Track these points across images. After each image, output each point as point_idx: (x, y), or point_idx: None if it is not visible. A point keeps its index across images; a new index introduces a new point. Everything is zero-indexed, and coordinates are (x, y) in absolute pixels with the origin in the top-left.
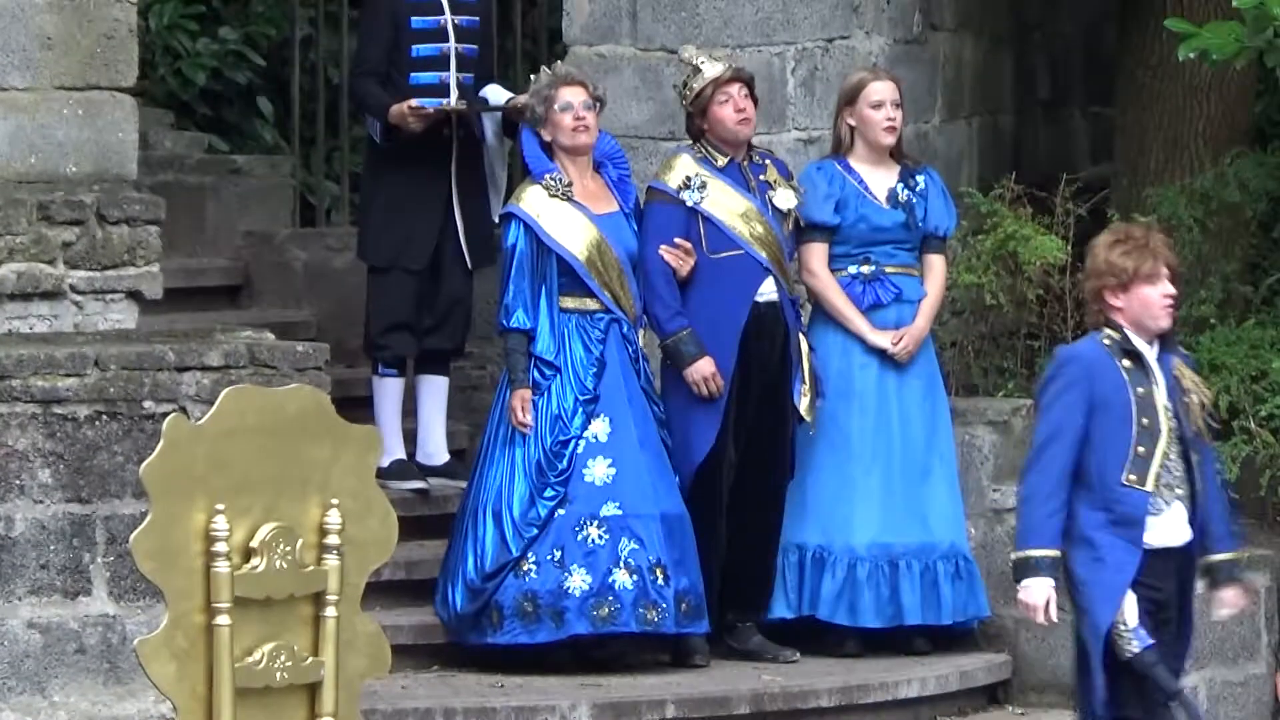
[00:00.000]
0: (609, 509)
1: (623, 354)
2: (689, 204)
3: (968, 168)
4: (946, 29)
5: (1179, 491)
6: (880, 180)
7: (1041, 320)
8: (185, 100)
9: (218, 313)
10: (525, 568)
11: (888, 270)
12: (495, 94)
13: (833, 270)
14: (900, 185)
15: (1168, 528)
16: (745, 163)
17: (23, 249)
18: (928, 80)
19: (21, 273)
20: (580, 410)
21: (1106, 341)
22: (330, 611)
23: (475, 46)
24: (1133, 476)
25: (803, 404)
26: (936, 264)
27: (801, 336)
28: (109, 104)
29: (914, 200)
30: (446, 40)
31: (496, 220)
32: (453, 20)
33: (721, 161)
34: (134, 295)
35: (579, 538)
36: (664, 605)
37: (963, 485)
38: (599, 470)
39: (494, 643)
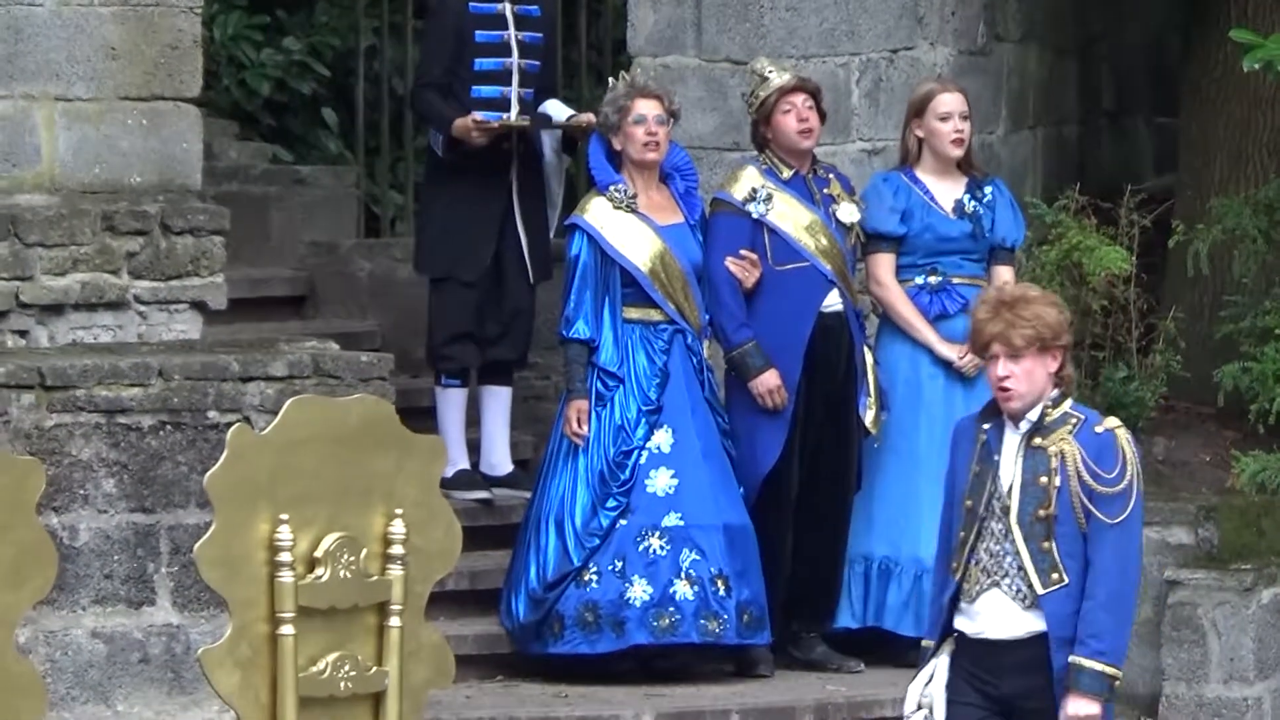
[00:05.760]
0: (671, 519)
1: (686, 365)
2: (754, 216)
3: (1032, 179)
4: (1011, 40)
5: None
6: (947, 191)
7: (1106, 331)
8: (250, 111)
9: (282, 323)
10: (586, 577)
11: (955, 281)
12: (556, 109)
13: (900, 281)
14: (967, 196)
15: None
16: (810, 175)
17: (87, 259)
18: (992, 91)
19: (86, 283)
20: (643, 421)
21: None
22: (394, 621)
23: (538, 61)
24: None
25: (868, 417)
26: (1005, 276)
27: (866, 349)
28: (173, 114)
29: (981, 211)
30: (509, 55)
31: (553, 235)
32: (516, 35)
33: (786, 174)
34: (198, 305)
35: (640, 548)
36: (725, 616)
37: None
38: (661, 481)
39: (555, 652)
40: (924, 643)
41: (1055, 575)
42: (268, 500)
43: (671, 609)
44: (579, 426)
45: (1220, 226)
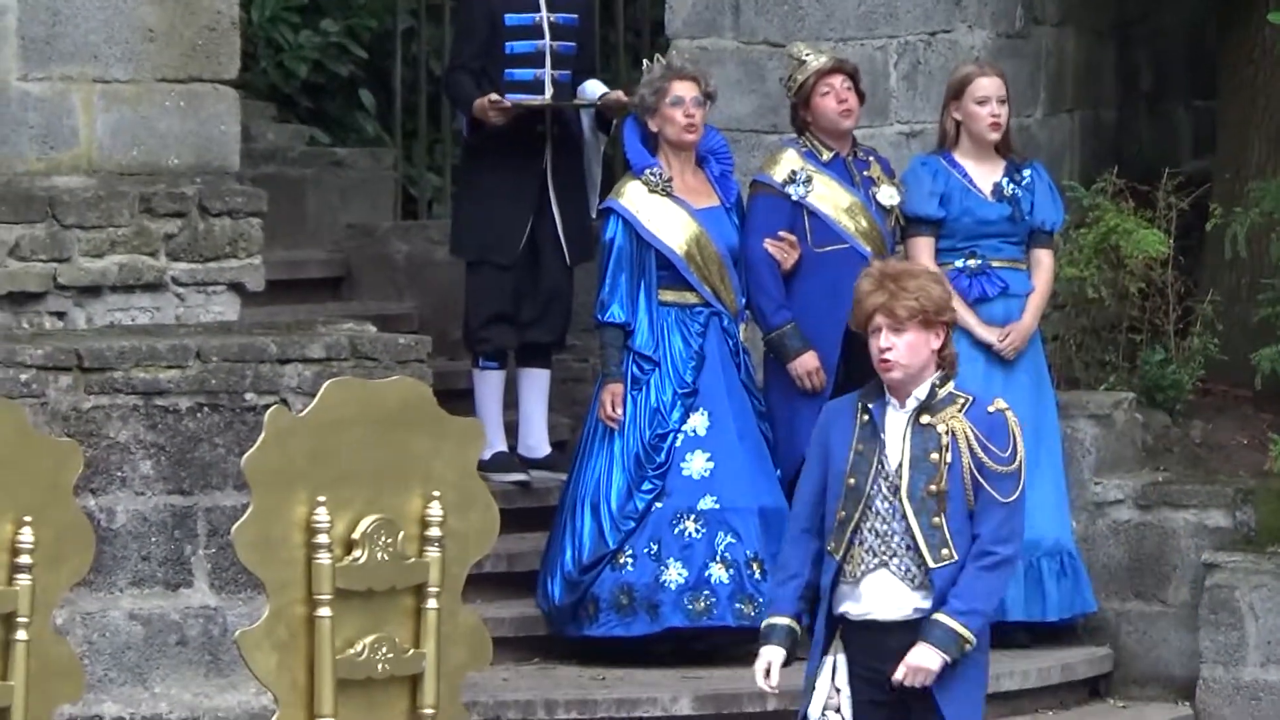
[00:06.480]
0: (706, 503)
1: (722, 348)
2: (794, 198)
3: (1070, 161)
4: (1049, 23)
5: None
6: (986, 174)
7: (1143, 314)
8: (287, 93)
9: (319, 305)
10: (622, 560)
11: (994, 264)
12: (591, 89)
13: (939, 264)
14: (1006, 180)
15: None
16: (850, 158)
17: (125, 241)
18: (1030, 74)
19: (124, 264)
20: (679, 404)
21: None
22: (431, 603)
23: (572, 44)
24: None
25: None
26: (1044, 259)
27: None
28: (211, 96)
29: (1020, 194)
30: (542, 37)
31: (594, 216)
32: (549, 18)
33: (826, 156)
34: (236, 287)
35: (676, 531)
36: (760, 599)
37: (1064, 478)
38: (697, 464)
39: (590, 634)
40: (768, 620)
41: (945, 551)
42: (305, 482)
43: (707, 592)
44: (614, 410)
45: (1258, 209)
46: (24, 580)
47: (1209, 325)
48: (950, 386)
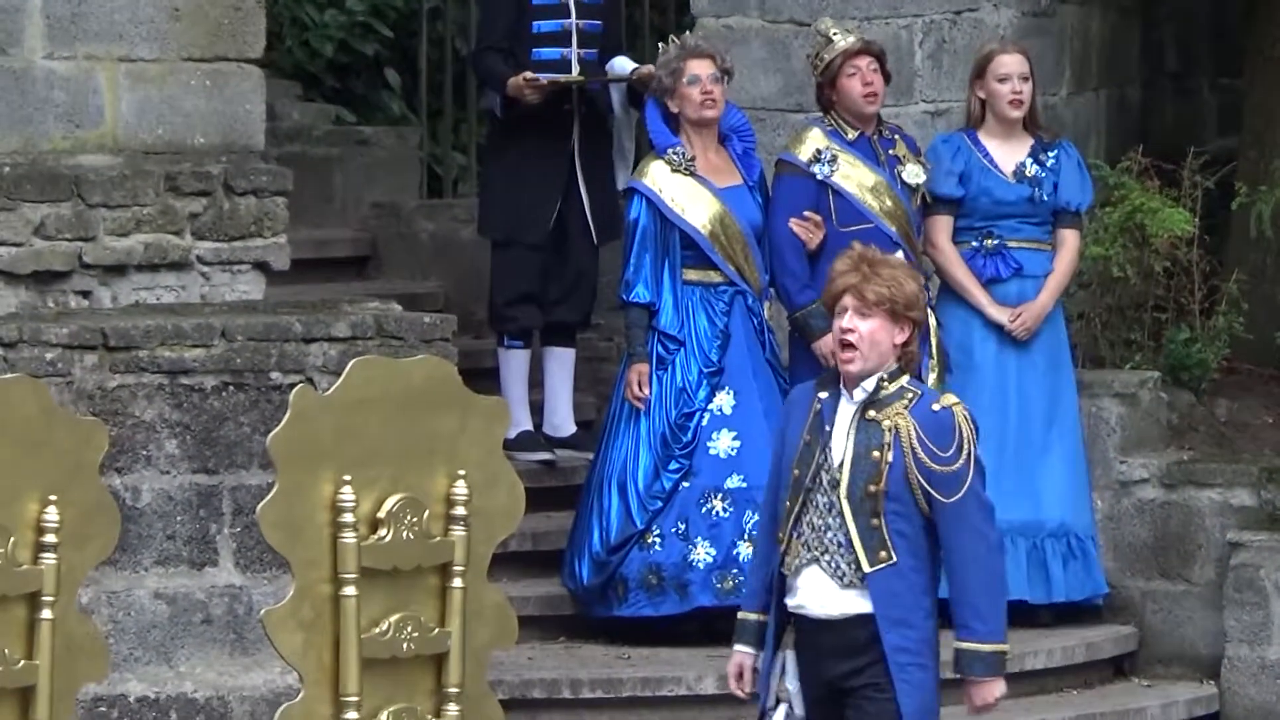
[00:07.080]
0: (733, 481)
1: (747, 326)
2: (819, 177)
3: (1095, 140)
4: (1075, 1)
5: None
6: (1009, 154)
7: (1169, 293)
8: (312, 72)
9: (345, 284)
10: (650, 540)
11: (1011, 245)
12: (621, 65)
13: (957, 243)
14: (1030, 160)
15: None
16: (875, 137)
17: (150, 220)
18: (1055, 52)
19: (149, 244)
20: (704, 383)
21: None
22: (457, 582)
23: (599, 22)
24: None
25: (929, 378)
26: (1068, 239)
27: (930, 312)
28: (236, 75)
29: (1042, 175)
30: (568, 16)
31: (622, 192)
32: None
33: (852, 135)
34: (261, 266)
35: (703, 510)
36: None
37: (1090, 457)
38: (723, 443)
39: (620, 615)
40: (740, 615)
41: (883, 553)
42: (330, 461)
43: (735, 570)
44: (640, 390)
45: None
46: (49, 559)
47: (1234, 304)
48: (903, 381)
